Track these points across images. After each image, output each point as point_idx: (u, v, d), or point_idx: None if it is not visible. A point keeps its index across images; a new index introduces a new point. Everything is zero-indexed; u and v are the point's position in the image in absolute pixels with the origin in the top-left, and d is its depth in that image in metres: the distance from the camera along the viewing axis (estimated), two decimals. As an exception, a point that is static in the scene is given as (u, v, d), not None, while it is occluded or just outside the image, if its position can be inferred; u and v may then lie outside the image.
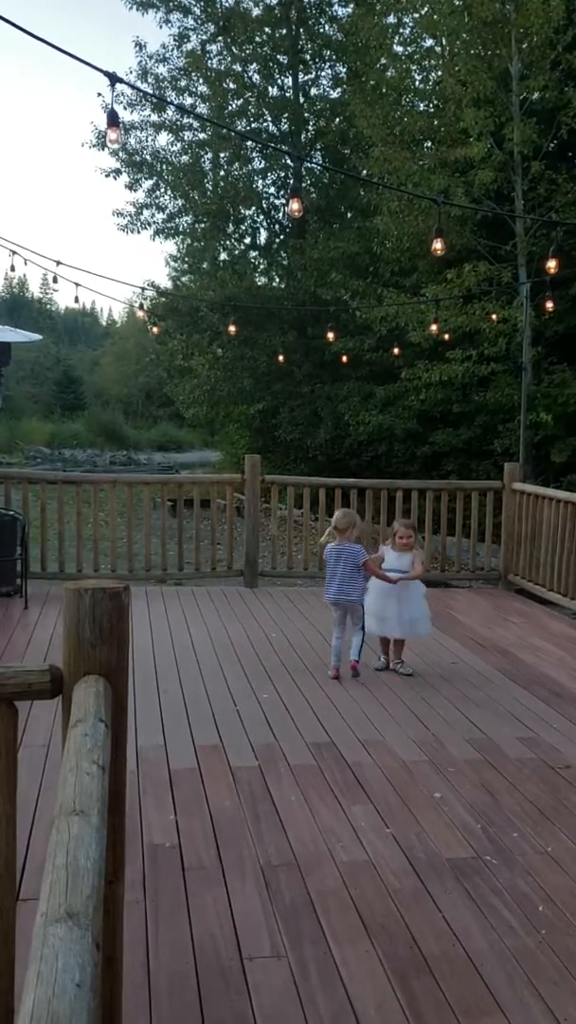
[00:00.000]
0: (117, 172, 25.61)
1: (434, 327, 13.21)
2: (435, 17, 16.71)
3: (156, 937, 2.92)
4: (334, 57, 25.36)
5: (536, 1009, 2.64)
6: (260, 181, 26.17)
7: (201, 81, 25.11)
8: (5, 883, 1.84)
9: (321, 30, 25.25)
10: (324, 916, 3.08)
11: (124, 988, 2.17)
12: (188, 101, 25.32)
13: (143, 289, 18.15)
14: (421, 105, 19.43)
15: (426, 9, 17.15)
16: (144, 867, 3.35)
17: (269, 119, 25.46)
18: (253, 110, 25.33)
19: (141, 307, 17.88)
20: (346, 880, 3.32)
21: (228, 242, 27.18)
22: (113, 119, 5.45)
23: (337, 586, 5.90)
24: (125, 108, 24.32)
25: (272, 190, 26.50)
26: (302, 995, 2.65)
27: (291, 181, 24.66)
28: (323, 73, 25.93)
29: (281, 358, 21.52)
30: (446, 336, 15.49)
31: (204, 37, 25.26)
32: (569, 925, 3.08)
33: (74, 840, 1.18)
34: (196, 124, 24.99)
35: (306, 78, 25.62)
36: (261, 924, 3.02)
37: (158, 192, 25.90)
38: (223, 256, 26.89)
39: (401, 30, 19.70)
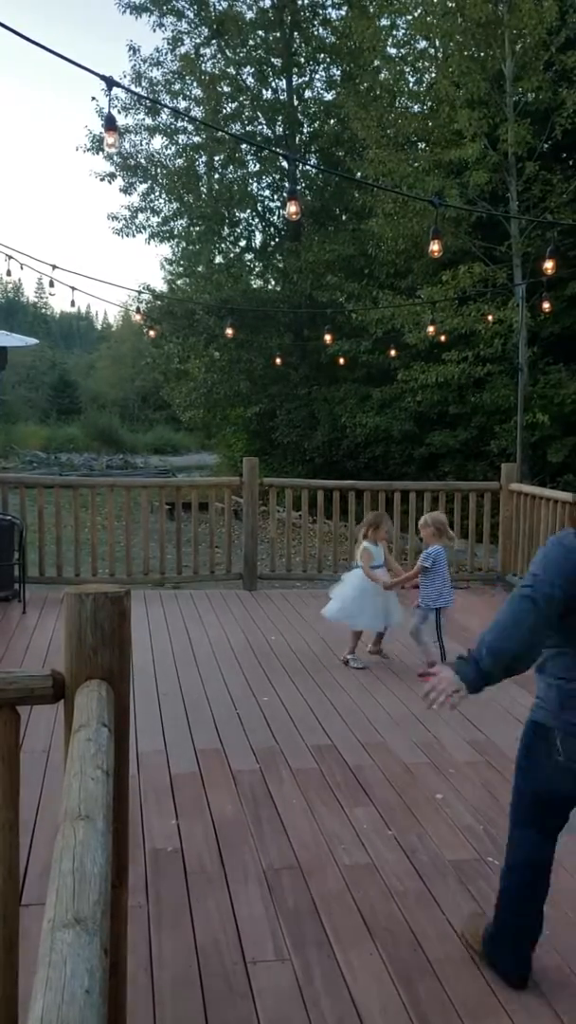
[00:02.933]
0: (112, 176, 25.64)
1: (431, 329, 13.22)
2: (428, 19, 16.76)
3: (159, 942, 2.91)
4: (328, 60, 25.40)
5: (540, 1010, 2.63)
6: (255, 184, 26.21)
7: (195, 84, 25.15)
8: (8, 888, 1.83)
9: (315, 33, 25.28)
10: (327, 919, 3.07)
11: (128, 993, 2.16)
12: (182, 104, 25.35)
13: (139, 292, 18.07)
14: (415, 107, 19.48)
15: (419, 11, 17.20)
16: (146, 872, 3.34)
17: (263, 122, 25.49)
18: (247, 113, 25.36)
19: (137, 310, 17.84)
20: (349, 883, 3.31)
21: (223, 245, 27.21)
22: (110, 123, 5.46)
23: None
24: (120, 112, 24.36)
25: (267, 193, 26.58)
26: (306, 999, 2.65)
27: (286, 184, 24.69)
28: (317, 76, 26.01)
29: (278, 361, 21.54)
30: (442, 337, 15.51)
31: (198, 40, 25.31)
32: (572, 925, 3.08)
33: (80, 845, 1.17)
34: (190, 127, 25.03)
35: (300, 81, 25.67)
36: (264, 928, 3.01)
37: (153, 196, 25.93)
38: (218, 259, 26.90)
39: (395, 32, 19.76)
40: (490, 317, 15.18)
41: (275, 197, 26.21)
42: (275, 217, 26.49)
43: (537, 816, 2.78)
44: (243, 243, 27.45)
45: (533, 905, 2.80)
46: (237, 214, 26.18)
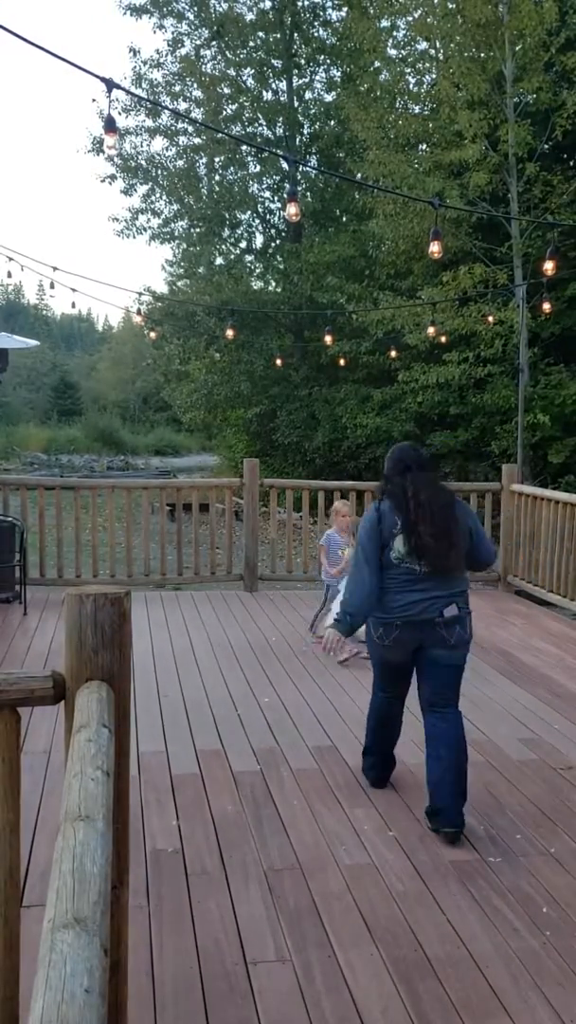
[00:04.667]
0: (112, 178, 25.64)
1: (432, 330, 13.22)
2: (428, 20, 16.75)
3: (160, 942, 2.91)
4: (328, 61, 25.40)
5: (542, 1011, 2.63)
6: (255, 185, 26.20)
7: (195, 86, 25.13)
8: (9, 889, 1.84)
9: (315, 34, 25.28)
10: (328, 920, 3.08)
11: (129, 994, 2.17)
12: (183, 106, 25.34)
13: (139, 294, 18.05)
14: (415, 108, 19.46)
15: (419, 12, 17.19)
16: (147, 872, 3.34)
17: (264, 123, 25.49)
18: (248, 114, 25.35)
19: (138, 312, 17.84)
20: (349, 883, 3.31)
21: (224, 246, 27.20)
22: (110, 125, 5.46)
23: None
24: (120, 113, 24.34)
25: (267, 194, 26.55)
26: (307, 999, 2.65)
27: (286, 185, 24.69)
28: (317, 77, 25.97)
29: (278, 362, 21.53)
30: (443, 338, 15.50)
31: (198, 42, 25.29)
32: (573, 926, 3.08)
33: (80, 846, 1.18)
34: (191, 129, 25.02)
35: (300, 82, 25.65)
36: (265, 928, 3.02)
37: (153, 197, 25.91)
38: (219, 260, 26.90)
39: (395, 33, 19.74)
40: (491, 318, 15.17)
41: (275, 198, 26.22)
42: (275, 218, 26.49)
43: (381, 682, 4.12)
44: (243, 244, 27.46)
45: (385, 743, 4.18)
46: (238, 215, 26.17)
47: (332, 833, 3.71)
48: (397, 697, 4.08)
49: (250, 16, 24.77)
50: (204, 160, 25.85)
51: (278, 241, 26.79)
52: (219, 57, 25.27)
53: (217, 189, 25.78)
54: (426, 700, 3.86)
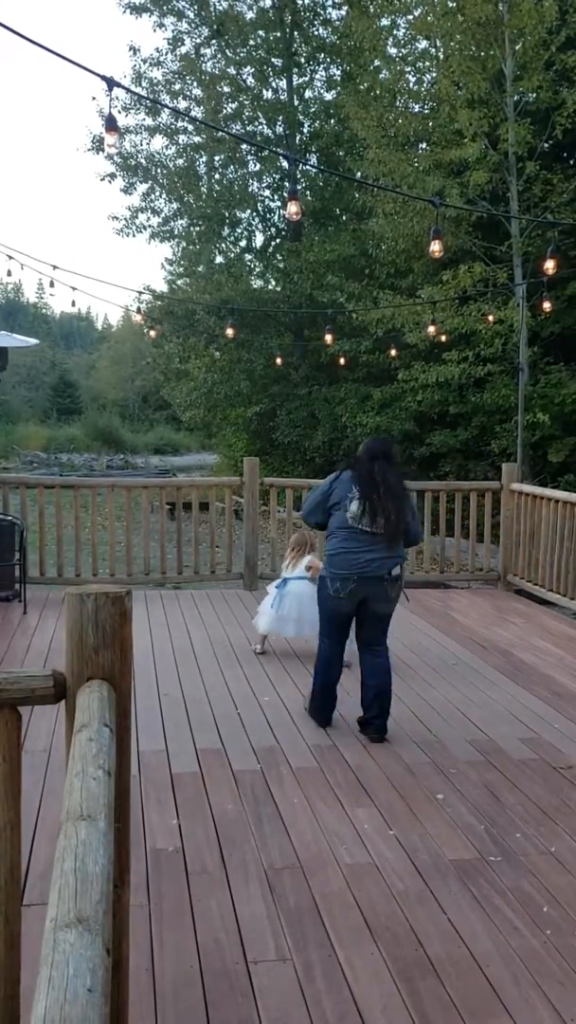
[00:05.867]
0: (112, 176, 25.63)
1: (432, 329, 13.21)
2: (429, 19, 16.74)
3: (161, 941, 2.91)
4: (328, 59, 25.37)
5: (542, 1010, 2.63)
6: (255, 184, 26.19)
7: (195, 84, 25.13)
8: (10, 889, 1.83)
9: (315, 32, 25.26)
10: (328, 918, 3.08)
11: (130, 992, 2.17)
12: (183, 104, 25.32)
13: (139, 293, 18.05)
14: (415, 107, 19.45)
15: (420, 11, 17.18)
16: (148, 871, 3.34)
17: (264, 122, 25.47)
18: (248, 113, 25.33)
19: (138, 311, 17.83)
20: (350, 882, 3.32)
21: (224, 245, 27.19)
22: (111, 123, 5.46)
23: None
24: (120, 112, 24.33)
25: (267, 193, 26.53)
26: (307, 998, 2.65)
27: (286, 184, 24.67)
28: (317, 75, 25.94)
29: (278, 361, 21.52)
30: (442, 337, 15.49)
31: (198, 40, 25.27)
32: (574, 925, 3.08)
33: (82, 845, 1.18)
34: (191, 127, 25.01)
35: (300, 81, 25.63)
36: (265, 927, 3.02)
37: (153, 196, 25.89)
38: (219, 259, 26.89)
39: (395, 32, 19.73)
40: (491, 317, 15.16)
41: (275, 197, 26.20)
42: (275, 217, 26.48)
43: (329, 631, 4.93)
44: (243, 243, 27.45)
45: (329, 684, 4.96)
46: (237, 214, 26.15)
47: (332, 832, 3.71)
48: (339, 642, 4.98)
49: (250, 14, 24.76)
50: (204, 159, 25.84)
51: (278, 240, 26.78)
52: (219, 55, 25.25)
53: (217, 188, 25.77)
54: (364, 641, 4.93)
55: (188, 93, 25.54)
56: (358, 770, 4.35)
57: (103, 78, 5.05)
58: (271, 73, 25.47)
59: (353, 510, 4.69)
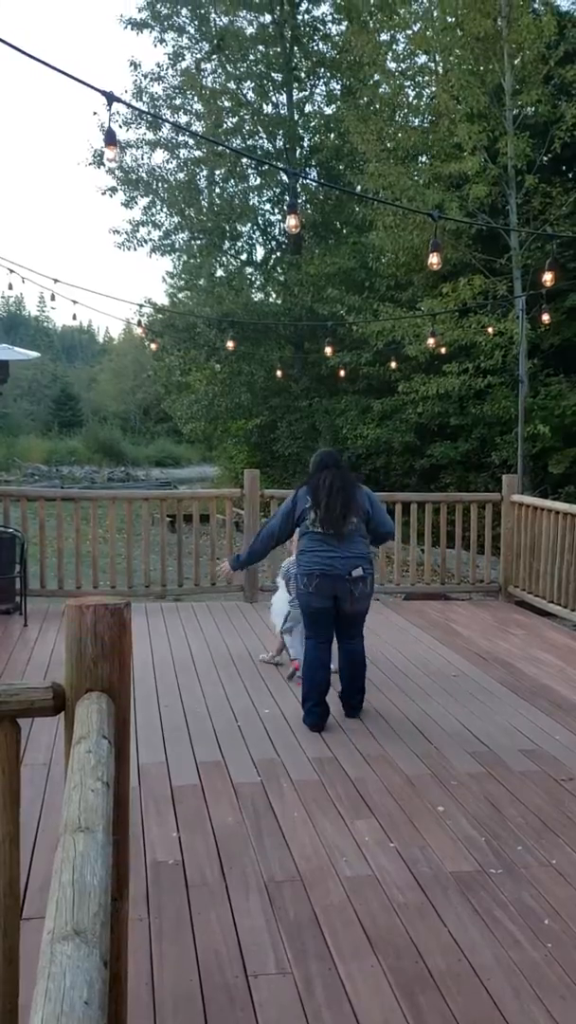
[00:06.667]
0: (113, 190, 25.76)
1: (431, 341, 13.25)
2: (428, 33, 16.87)
3: (160, 954, 2.90)
4: (328, 74, 25.54)
5: (544, 1023, 2.62)
6: (256, 198, 26.32)
7: (196, 99, 25.27)
8: (9, 902, 1.83)
9: (315, 47, 25.44)
10: (329, 932, 3.06)
11: (129, 1006, 2.16)
12: (183, 119, 25.47)
13: (140, 306, 18.17)
14: (415, 120, 19.58)
15: (419, 26, 17.31)
16: (147, 884, 3.33)
17: (264, 136, 25.62)
18: (248, 127, 25.49)
19: (139, 323, 17.90)
20: (350, 895, 3.30)
21: (224, 258, 27.30)
22: (110, 138, 5.49)
23: None
24: (121, 126, 24.46)
25: (268, 206, 26.68)
26: (308, 1012, 2.64)
27: (287, 197, 24.79)
28: (317, 90, 26.13)
29: (279, 373, 21.59)
30: (442, 349, 15.54)
31: (199, 56, 25.45)
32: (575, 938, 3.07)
33: (80, 857, 1.17)
34: (191, 142, 25.14)
35: (300, 95, 25.80)
36: (265, 940, 3.01)
37: (154, 209, 26.03)
38: (220, 272, 27.00)
39: (394, 47, 19.88)
40: (490, 329, 15.22)
41: (276, 210, 26.33)
42: (276, 230, 26.60)
43: (311, 628, 5.27)
44: (244, 256, 27.57)
45: (315, 691, 5.14)
46: (238, 227, 26.28)
47: (333, 844, 3.70)
48: (324, 641, 5.25)
49: (250, 30, 24.95)
50: (204, 173, 25.98)
51: (278, 253, 26.89)
52: (219, 70, 25.42)
53: (217, 201, 25.90)
54: (341, 634, 5.32)
55: (189, 108, 25.70)
56: (358, 782, 4.34)
57: (103, 93, 5.08)
58: (271, 88, 25.64)
59: (311, 517, 5.19)
